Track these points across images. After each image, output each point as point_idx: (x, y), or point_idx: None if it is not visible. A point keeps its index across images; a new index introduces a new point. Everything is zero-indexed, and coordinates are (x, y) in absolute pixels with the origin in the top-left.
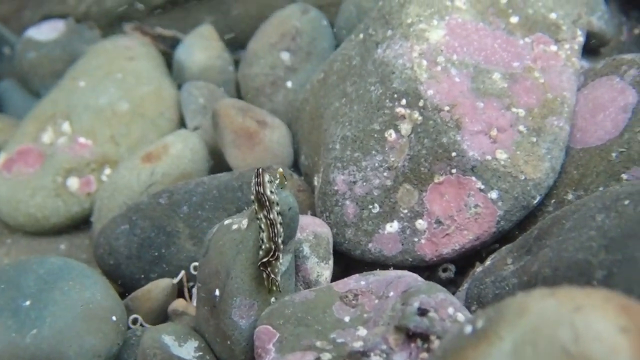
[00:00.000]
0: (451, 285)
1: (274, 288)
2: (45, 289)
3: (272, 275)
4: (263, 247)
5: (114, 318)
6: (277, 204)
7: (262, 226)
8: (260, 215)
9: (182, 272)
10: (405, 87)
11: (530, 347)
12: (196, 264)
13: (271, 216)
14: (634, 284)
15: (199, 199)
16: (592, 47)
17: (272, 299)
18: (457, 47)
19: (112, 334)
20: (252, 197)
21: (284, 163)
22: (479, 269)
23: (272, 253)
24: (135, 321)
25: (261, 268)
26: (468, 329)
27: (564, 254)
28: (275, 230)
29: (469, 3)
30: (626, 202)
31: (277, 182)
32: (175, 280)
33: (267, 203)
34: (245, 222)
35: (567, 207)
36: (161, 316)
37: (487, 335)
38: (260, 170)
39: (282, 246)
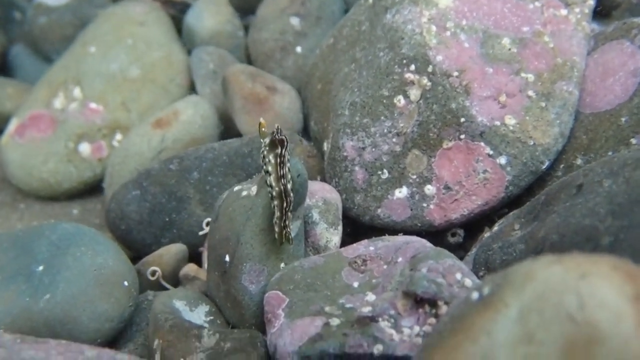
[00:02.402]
0: (460, 249)
1: (286, 240)
2: (58, 255)
3: (288, 229)
4: (273, 193)
5: (125, 283)
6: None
7: (270, 169)
8: (270, 157)
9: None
10: (414, 52)
11: (536, 314)
12: (209, 219)
13: (282, 152)
14: None
15: (209, 164)
16: (603, 10)
17: (282, 265)
18: (467, 11)
19: (124, 299)
20: (266, 141)
21: (294, 129)
22: (487, 234)
23: (285, 198)
24: (154, 273)
25: (283, 217)
26: (475, 295)
27: (571, 219)
28: (283, 172)
29: None
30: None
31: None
32: (202, 233)
33: (285, 143)
34: (254, 188)
35: (574, 172)
36: (173, 281)
37: (494, 302)
38: (278, 125)
39: (291, 194)
